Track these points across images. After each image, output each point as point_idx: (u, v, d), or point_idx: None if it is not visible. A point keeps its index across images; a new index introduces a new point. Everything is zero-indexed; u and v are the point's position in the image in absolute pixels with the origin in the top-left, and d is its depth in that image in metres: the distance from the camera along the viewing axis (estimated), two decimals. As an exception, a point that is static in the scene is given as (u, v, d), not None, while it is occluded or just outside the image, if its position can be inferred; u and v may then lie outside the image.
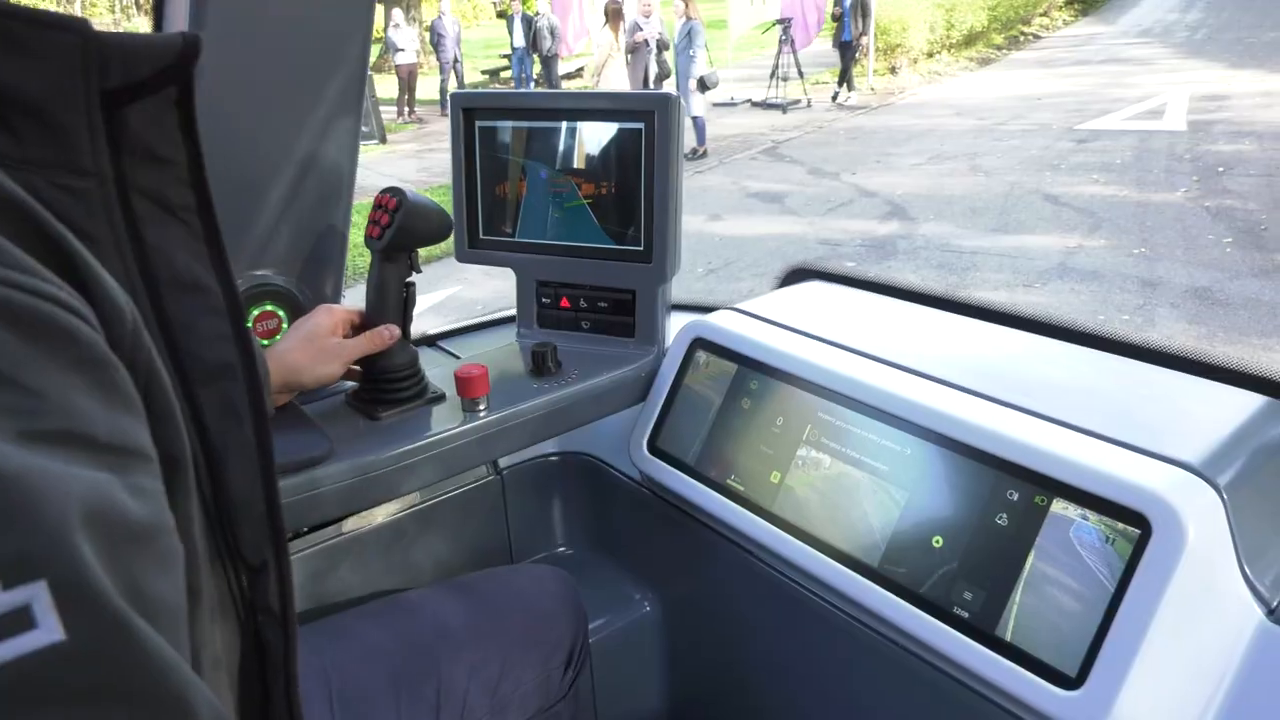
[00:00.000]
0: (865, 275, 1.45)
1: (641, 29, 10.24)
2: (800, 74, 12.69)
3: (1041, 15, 21.46)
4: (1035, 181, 7.64)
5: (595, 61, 9.84)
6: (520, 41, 15.27)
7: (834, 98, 12.83)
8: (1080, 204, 6.85)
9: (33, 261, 0.34)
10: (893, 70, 14.41)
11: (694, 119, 9.71)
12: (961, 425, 0.95)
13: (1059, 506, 0.85)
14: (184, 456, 0.42)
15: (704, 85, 9.95)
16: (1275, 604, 0.82)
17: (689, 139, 9.64)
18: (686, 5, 9.70)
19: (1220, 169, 7.49)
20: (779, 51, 12.45)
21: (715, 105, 13.41)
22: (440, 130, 13.28)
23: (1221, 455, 0.87)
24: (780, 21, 12.40)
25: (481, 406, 1.14)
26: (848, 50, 12.62)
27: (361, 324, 1.10)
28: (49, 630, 0.28)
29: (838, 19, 12.34)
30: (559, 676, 1.08)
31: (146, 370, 0.39)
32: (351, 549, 1.26)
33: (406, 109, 14.10)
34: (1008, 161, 8.45)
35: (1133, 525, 0.80)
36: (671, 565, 1.38)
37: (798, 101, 12.82)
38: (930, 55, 15.93)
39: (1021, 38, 19.17)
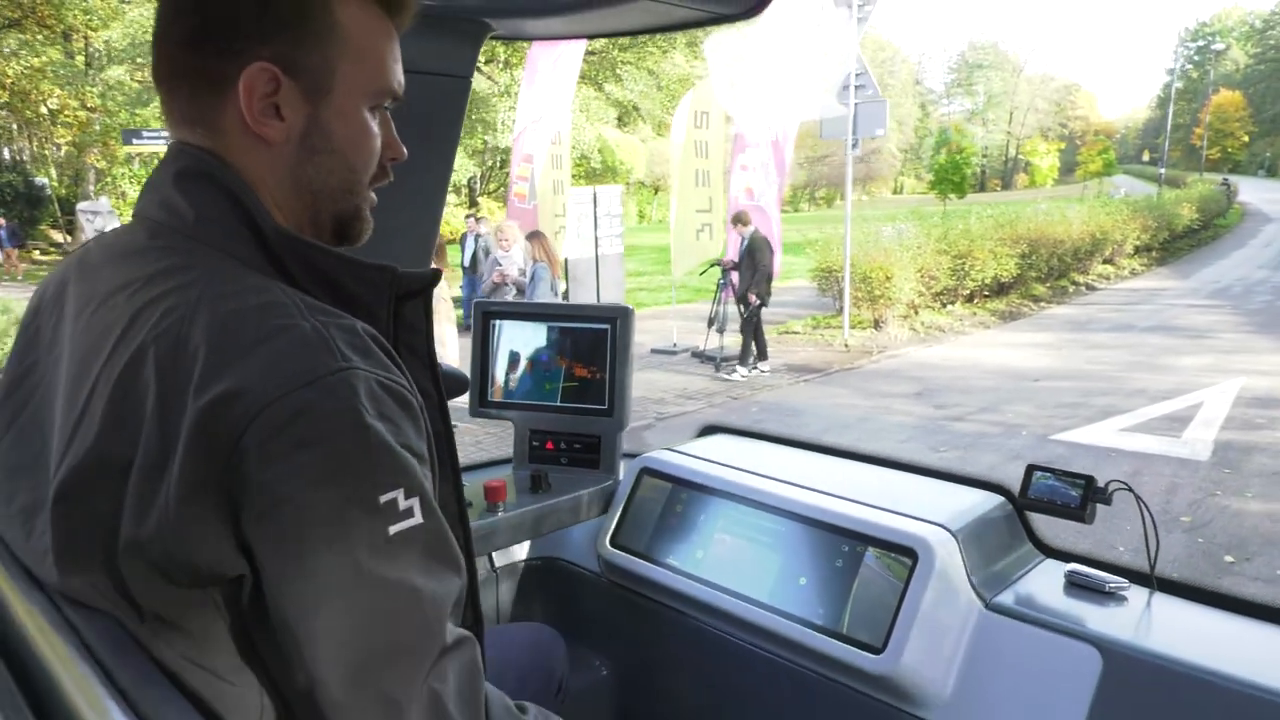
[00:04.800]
0: (753, 429, 2.15)
1: (500, 266, 8.28)
2: (743, 325, 10.42)
3: (1105, 263, 18.92)
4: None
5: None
6: (468, 261, 14.03)
7: (752, 368, 9.89)
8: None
9: (397, 366, 0.77)
10: (876, 324, 11.98)
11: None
12: (814, 509, 1.62)
13: (870, 550, 1.51)
14: (436, 468, 0.83)
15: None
16: (990, 599, 1.44)
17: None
18: (533, 244, 7.66)
19: (1229, 559, 4.56)
20: (716, 298, 10.26)
21: (653, 352, 11.27)
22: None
23: (958, 518, 1.53)
24: (718, 263, 10.28)
25: (500, 510, 1.71)
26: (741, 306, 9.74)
27: None
28: (418, 518, 0.71)
29: (727, 268, 9.92)
30: (553, 697, 1.47)
31: (426, 423, 0.80)
32: None
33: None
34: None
35: (907, 557, 1.45)
36: (623, 638, 1.94)
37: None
38: (944, 306, 13.51)
39: (1071, 288, 16.58)
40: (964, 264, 13.17)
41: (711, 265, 10.43)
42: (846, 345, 11.30)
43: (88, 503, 0.71)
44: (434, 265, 1.17)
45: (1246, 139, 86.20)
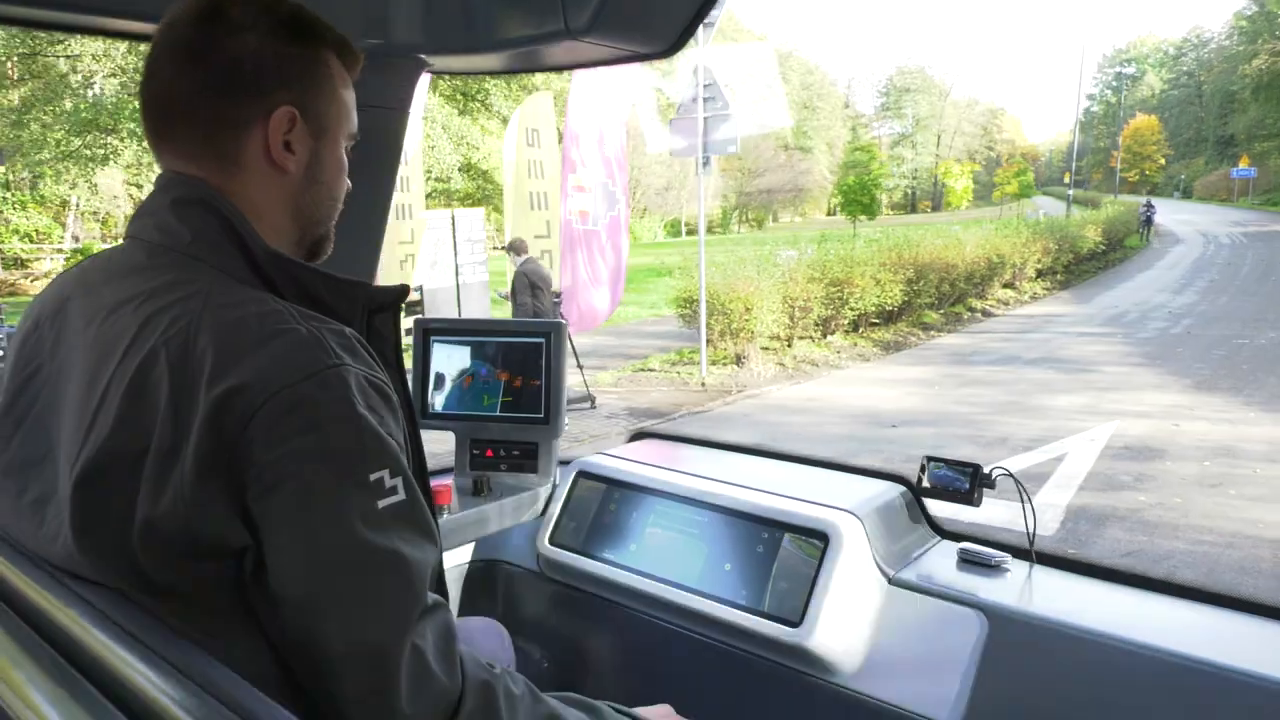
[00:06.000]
0: (679, 433, 2.29)
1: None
2: (578, 363, 9.24)
3: (1006, 287, 18.24)
4: None
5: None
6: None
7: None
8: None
9: (378, 365, 0.87)
10: (738, 360, 10.90)
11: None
12: (736, 501, 1.77)
13: (787, 536, 1.66)
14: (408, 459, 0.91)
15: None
16: (891, 574, 1.61)
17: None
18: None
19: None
20: (547, 334, 9.04)
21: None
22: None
23: (864, 505, 1.69)
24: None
25: (444, 513, 1.81)
26: None
27: None
28: (401, 495, 0.82)
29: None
30: None
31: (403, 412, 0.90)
32: None
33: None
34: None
35: (820, 540, 1.62)
36: (563, 631, 2.04)
37: (582, 401, 9.28)
38: (824, 336, 12.53)
39: (966, 315, 15.78)
40: (841, 292, 12.17)
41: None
42: (703, 384, 10.18)
43: (106, 488, 0.79)
44: None
45: (1163, 162, 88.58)
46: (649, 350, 12.38)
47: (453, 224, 14.23)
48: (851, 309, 12.47)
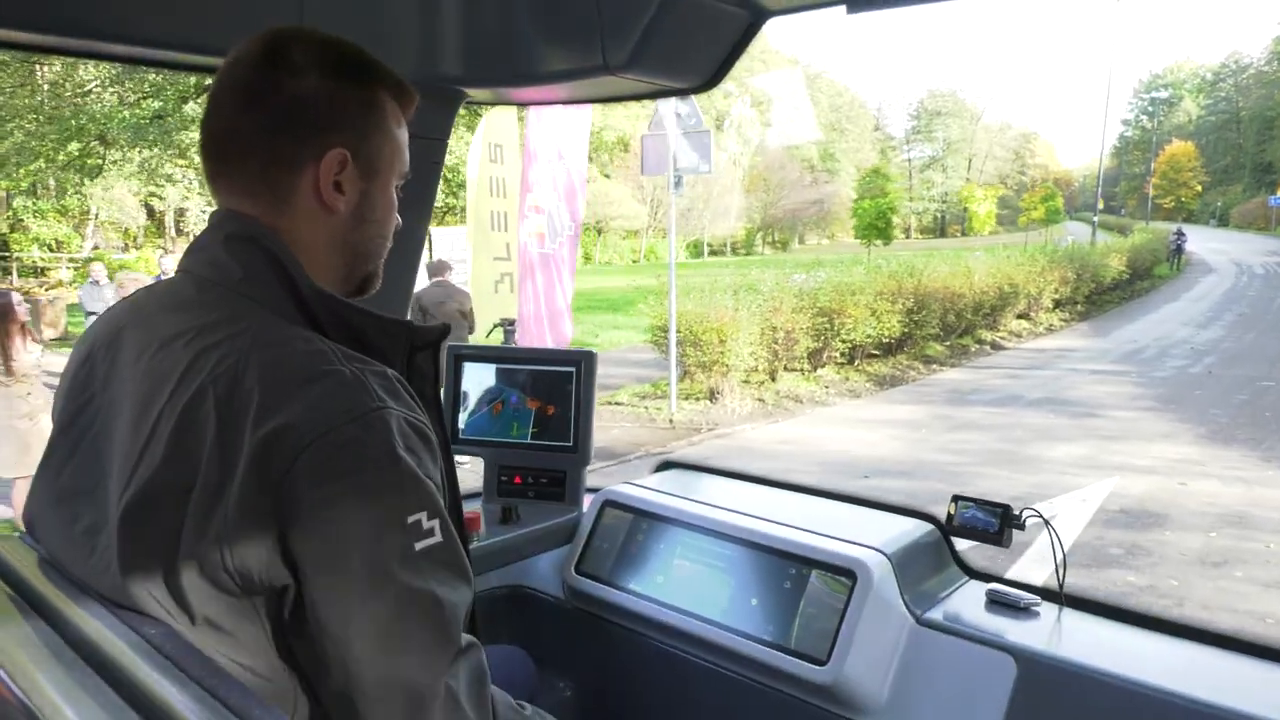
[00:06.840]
0: (706, 464, 2.25)
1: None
2: (532, 399, 8.55)
3: (1020, 318, 17.33)
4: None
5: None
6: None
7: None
8: None
9: (418, 406, 0.88)
10: (711, 395, 10.13)
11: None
12: (764, 536, 1.73)
13: (814, 572, 1.63)
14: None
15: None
16: (920, 614, 1.57)
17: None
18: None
19: None
20: (497, 365, 8.37)
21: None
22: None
23: (892, 543, 1.65)
24: (503, 323, 8.44)
25: (474, 540, 1.82)
26: None
27: None
28: (438, 537, 0.82)
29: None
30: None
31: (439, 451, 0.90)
32: None
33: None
34: None
35: (847, 578, 1.58)
36: (587, 660, 2.02)
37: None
38: (815, 369, 11.74)
39: (974, 347, 14.91)
40: (830, 323, 11.38)
41: (496, 328, 8.59)
42: (672, 421, 9.44)
43: (152, 520, 0.80)
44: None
45: (1199, 189, 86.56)
46: (625, 380, 11.66)
47: (429, 242, 13.70)
48: (843, 340, 11.67)
